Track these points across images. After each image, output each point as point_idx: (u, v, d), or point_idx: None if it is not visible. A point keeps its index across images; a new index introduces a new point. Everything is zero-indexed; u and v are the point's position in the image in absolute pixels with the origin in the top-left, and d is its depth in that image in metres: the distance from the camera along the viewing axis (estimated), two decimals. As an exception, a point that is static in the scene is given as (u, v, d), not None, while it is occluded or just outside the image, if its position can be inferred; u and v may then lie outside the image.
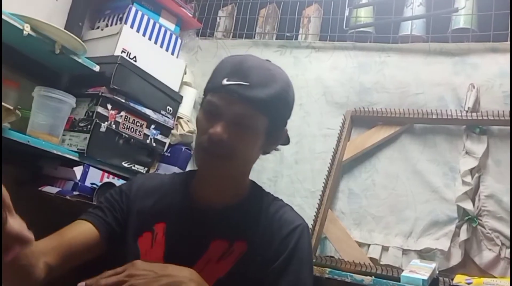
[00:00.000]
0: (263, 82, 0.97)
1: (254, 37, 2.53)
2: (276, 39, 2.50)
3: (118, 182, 1.93)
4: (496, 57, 2.00)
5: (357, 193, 2.08)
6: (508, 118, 1.86)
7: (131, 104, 2.02)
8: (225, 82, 0.97)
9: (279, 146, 1.15)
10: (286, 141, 1.16)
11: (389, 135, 2.08)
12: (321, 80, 2.28)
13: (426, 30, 2.22)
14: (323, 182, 2.07)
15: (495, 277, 1.68)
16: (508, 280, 1.51)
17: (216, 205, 1.05)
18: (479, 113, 1.92)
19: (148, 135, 2.08)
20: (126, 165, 2.01)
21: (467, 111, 1.94)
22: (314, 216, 2.02)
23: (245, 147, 0.97)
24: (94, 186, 1.82)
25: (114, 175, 1.99)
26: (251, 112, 0.96)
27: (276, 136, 1.06)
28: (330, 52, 2.32)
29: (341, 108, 2.20)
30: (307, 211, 2.09)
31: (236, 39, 2.55)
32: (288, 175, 2.21)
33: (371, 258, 1.93)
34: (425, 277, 1.59)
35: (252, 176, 2.17)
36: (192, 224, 1.01)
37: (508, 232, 1.78)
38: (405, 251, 1.92)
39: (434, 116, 1.99)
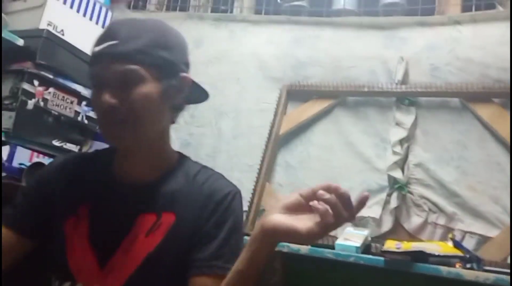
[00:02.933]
0: (132, 35, 0.92)
1: (189, 10, 2.48)
2: (211, 12, 2.46)
3: (48, 161, 1.86)
4: (424, 30, 2.07)
5: (293, 166, 2.12)
6: (435, 89, 1.94)
7: (60, 80, 1.93)
8: (96, 49, 0.92)
9: (197, 102, 1.12)
10: (203, 95, 1.12)
11: (323, 109, 2.12)
12: (257, 54, 2.28)
13: (358, 4, 2.27)
14: (261, 156, 2.09)
15: (423, 241, 1.78)
16: (434, 243, 1.59)
17: (140, 179, 1.00)
18: (408, 85, 1.99)
19: (79, 112, 2.01)
20: (56, 143, 1.93)
21: (397, 84, 2.00)
22: (253, 189, 2.04)
23: (139, 103, 0.91)
24: (23, 166, 1.74)
25: (45, 154, 1.92)
26: (129, 67, 0.90)
27: (173, 85, 0.96)
28: (265, 26, 2.32)
29: (277, 82, 2.22)
30: (246, 185, 2.11)
31: (170, 12, 2.49)
32: (226, 150, 2.22)
33: (308, 228, 1.97)
34: (358, 244, 1.65)
35: (190, 152, 2.16)
36: (116, 202, 0.97)
37: (435, 198, 1.88)
38: (339, 220, 1.98)
39: (366, 89, 2.04)
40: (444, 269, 1.47)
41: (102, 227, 0.96)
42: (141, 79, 0.91)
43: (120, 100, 0.90)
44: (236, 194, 1.01)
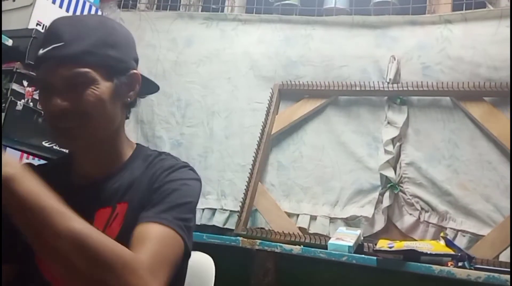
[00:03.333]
0: (77, 36, 0.89)
1: (179, 9, 2.47)
2: (201, 11, 2.45)
3: (38, 162, 1.84)
4: (415, 29, 2.08)
5: (285, 165, 2.11)
6: (426, 88, 1.94)
7: (50, 80, 1.91)
8: (40, 52, 0.89)
9: (148, 94, 1.10)
10: (153, 87, 1.09)
11: (315, 108, 2.12)
12: (248, 53, 2.27)
13: (349, 3, 2.27)
14: (253, 156, 2.08)
15: (415, 240, 1.78)
16: (426, 242, 1.60)
17: (96, 175, 0.99)
18: (400, 84, 1.99)
19: (69, 113, 1.98)
20: (46, 144, 1.90)
21: (388, 83, 2.01)
22: (245, 189, 2.03)
23: (90, 105, 0.89)
24: (12, 168, 1.72)
25: (35, 155, 1.89)
26: (76, 69, 0.87)
27: (123, 83, 0.95)
28: (256, 25, 2.31)
29: (268, 82, 2.21)
30: (238, 185, 2.10)
31: (160, 11, 2.47)
32: (218, 150, 2.20)
33: (300, 228, 1.97)
34: (351, 244, 1.65)
35: (182, 152, 2.18)
36: (75, 201, 0.95)
37: (427, 197, 1.88)
38: (332, 220, 1.98)
39: (357, 88, 2.04)
40: (436, 268, 1.47)
41: None
42: (91, 81, 0.89)
43: (71, 103, 0.88)
44: (182, 167, 1.00)
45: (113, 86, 0.93)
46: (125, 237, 0.90)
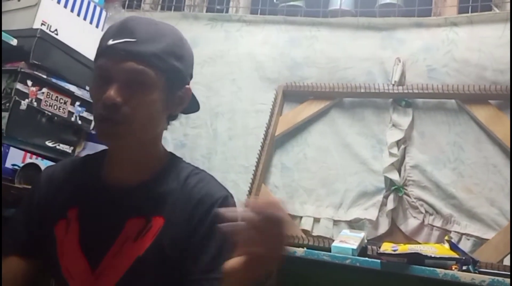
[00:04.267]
0: (151, 37, 0.91)
1: (184, 10, 2.46)
2: (206, 11, 2.45)
3: (42, 162, 1.84)
4: (421, 31, 2.06)
5: (289, 167, 2.11)
6: (432, 91, 1.93)
7: (53, 80, 1.91)
8: (110, 42, 0.90)
9: (189, 113, 1.12)
10: (195, 106, 1.10)
11: (319, 110, 2.11)
12: (252, 55, 2.26)
13: (354, 4, 2.26)
14: (256, 157, 2.07)
15: (419, 243, 1.77)
16: (430, 245, 1.59)
17: (130, 182, 0.98)
18: (405, 86, 1.98)
19: (73, 113, 1.98)
20: (50, 144, 1.91)
21: (393, 85, 2.00)
22: (248, 191, 2.02)
23: (143, 107, 0.91)
24: (16, 167, 1.72)
25: (38, 155, 1.89)
26: (142, 68, 0.89)
27: (177, 95, 0.98)
28: (261, 26, 2.30)
29: (273, 83, 2.20)
30: (241, 187, 2.09)
31: (165, 12, 2.47)
32: (222, 151, 2.20)
33: (303, 230, 1.96)
34: (354, 246, 1.64)
35: (185, 153, 2.17)
36: (105, 205, 0.95)
37: (431, 200, 1.87)
38: (335, 222, 1.97)
39: (362, 90, 2.03)
40: (440, 271, 1.47)
41: (92, 231, 0.96)
42: (151, 84, 0.91)
43: (125, 99, 0.89)
44: (227, 197, 1.00)
45: (168, 96, 0.95)
46: (154, 252, 0.92)
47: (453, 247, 1.55)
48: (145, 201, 0.96)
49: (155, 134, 1.00)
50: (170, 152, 1.08)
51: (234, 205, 1.01)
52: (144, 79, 0.90)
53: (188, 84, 1.01)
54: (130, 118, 0.90)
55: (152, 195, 0.96)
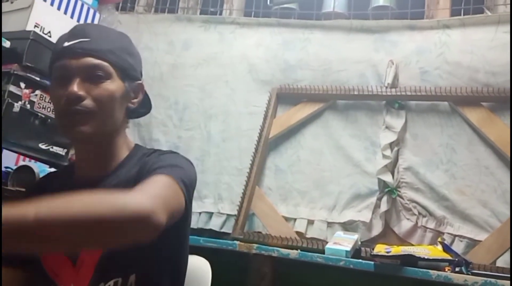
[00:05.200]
0: (103, 37, 1.00)
1: (177, 12, 2.46)
2: (200, 14, 2.45)
3: (35, 165, 1.83)
4: (413, 34, 2.08)
5: (283, 169, 2.11)
6: (424, 93, 1.94)
7: (47, 82, 1.90)
8: (66, 44, 0.96)
9: (143, 115, 1.17)
10: (148, 104, 1.15)
11: (313, 112, 2.11)
12: (246, 57, 2.26)
13: (348, 7, 2.27)
14: (250, 160, 2.08)
15: (413, 245, 1.78)
16: (423, 247, 1.59)
17: (95, 176, 1.01)
18: (398, 88, 1.99)
19: (66, 115, 1.97)
20: (43, 147, 1.89)
21: (386, 87, 2.00)
22: (242, 193, 2.02)
23: (104, 98, 0.96)
24: (9, 170, 1.71)
25: (31, 157, 1.88)
26: (99, 62, 0.96)
27: (133, 87, 1.04)
28: (254, 28, 2.30)
29: (266, 85, 2.21)
30: (235, 189, 2.10)
31: (158, 14, 2.47)
32: (215, 153, 2.20)
33: (297, 232, 1.96)
34: (348, 248, 1.65)
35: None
36: None
37: (425, 202, 1.88)
38: (329, 224, 1.98)
39: (356, 92, 2.04)
40: (433, 273, 1.47)
41: None
42: (109, 76, 0.97)
43: (87, 92, 0.95)
44: (173, 152, 1.05)
45: (124, 88, 1.01)
46: None
47: (446, 248, 1.56)
48: (109, 189, 0.94)
49: (116, 126, 1.03)
50: (136, 144, 1.12)
51: (182, 157, 1.03)
52: (103, 72, 0.97)
53: (140, 81, 1.08)
54: (93, 109, 0.95)
55: (115, 183, 1.00)
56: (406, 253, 1.51)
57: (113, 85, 0.98)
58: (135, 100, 1.07)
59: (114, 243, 0.77)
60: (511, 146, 1.78)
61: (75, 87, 0.93)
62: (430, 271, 1.47)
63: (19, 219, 0.67)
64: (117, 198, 0.75)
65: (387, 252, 1.53)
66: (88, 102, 0.94)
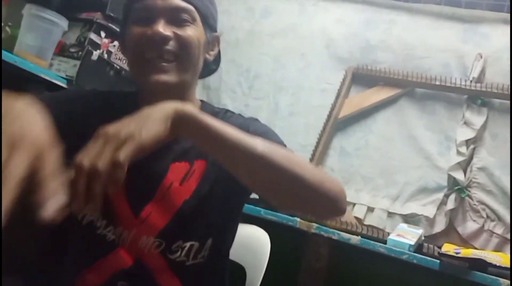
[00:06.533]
0: None
1: (260, -22, 2.40)
2: (283, -18, 2.37)
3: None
4: (507, 29, 1.94)
5: (349, 152, 2.05)
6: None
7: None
8: None
9: (214, 70, 1.14)
10: (218, 61, 1.12)
11: (389, 97, 2.04)
12: (325, 32, 2.19)
13: (439, -9, 2.14)
14: (317, 138, 2.03)
15: (476, 248, 1.71)
16: (495, 253, 1.52)
17: None
18: (484, 84, 1.88)
19: (141, 69, 1.98)
20: (116, 97, 1.92)
21: (471, 81, 1.90)
22: (305, 170, 1.98)
23: (192, 43, 0.93)
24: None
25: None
26: (186, 5, 0.93)
27: (212, 37, 1.02)
28: (337, 3, 2.22)
29: (343, 63, 2.14)
30: (296, 165, 2.06)
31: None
32: (281, 126, 2.16)
33: (355, 217, 1.92)
34: (412, 242, 1.60)
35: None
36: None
37: (495, 206, 1.79)
38: (390, 214, 1.92)
39: (437, 83, 1.95)
40: (503, 281, 1.41)
41: (134, 176, 0.83)
42: (193, 20, 0.94)
43: (173, 33, 0.91)
44: (255, 120, 1.06)
45: (206, 36, 0.99)
46: (200, 194, 0.93)
47: (519, 258, 1.48)
48: (186, 145, 0.95)
49: (195, 77, 1.00)
50: (202, 100, 1.08)
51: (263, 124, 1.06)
52: (188, 16, 0.93)
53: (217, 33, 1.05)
54: (178, 52, 0.91)
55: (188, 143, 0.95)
56: (477, 257, 1.45)
57: (197, 31, 0.95)
58: (212, 52, 1.04)
59: (306, 209, 0.86)
60: (511, 148, 1.73)
61: (161, 28, 0.89)
62: (500, 279, 1.41)
63: (250, 146, 0.73)
64: (321, 170, 0.82)
65: (456, 253, 1.47)
66: (173, 44, 0.90)
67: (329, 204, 0.80)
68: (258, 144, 0.74)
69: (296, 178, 0.75)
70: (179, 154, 0.95)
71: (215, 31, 1.03)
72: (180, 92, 0.96)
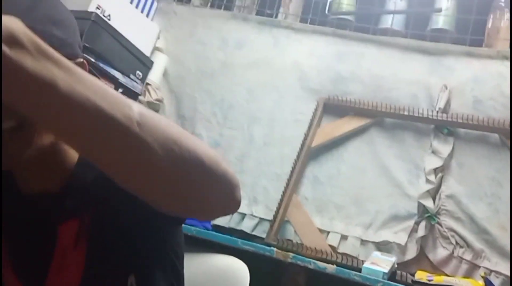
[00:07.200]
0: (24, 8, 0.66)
1: (233, 10, 2.46)
2: (256, 14, 2.43)
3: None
4: (471, 61, 2.04)
5: (321, 181, 2.09)
6: (476, 122, 1.91)
7: (100, 65, 1.92)
8: None
9: None
10: None
11: (359, 126, 2.09)
12: (298, 64, 2.25)
13: (405, 25, 2.24)
14: (291, 167, 2.06)
15: (447, 275, 1.76)
16: (466, 280, 1.57)
17: (43, 185, 0.75)
18: (449, 114, 1.96)
19: (116, 100, 1.98)
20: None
21: (437, 111, 1.98)
22: (280, 199, 2.01)
23: None
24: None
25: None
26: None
27: None
28: (309, 35, 2.29)
29: (315, 95, 2.19)
30: (272, 194, 2.09)
31: (214, 9, 2.46)
32: (256, 156, 2.19)
33: (329, 246, 1.95)
34: (386, 270, 1.63)
35: (219, 153, 2.14)
36: (28, 218, 0.74)
37: (464, 233, 1.85)
38: (363, 242, 1.96)
39: (405, 113, 2.02)
40: (474, 308, 1.45)
41: (22, 255, 0.75)
42: None
43: None
44: None
45: None
46: (94, 254, 0.76)
47: (488, 284, 1.53)
48: (72, 200, 0.76)
49: None
50: None
51: None
52: None
53: (81, 56, 0.75)
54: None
55: (74, 193, 0.76)
56: (449, 284, 1.49)
57: None
58: None
59: (198, 195, 0.58)
60: (511, 151, 1.78)
61: None
62: (471, 305, 1.45)
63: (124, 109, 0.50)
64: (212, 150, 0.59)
65: (429, 280, 1.52)
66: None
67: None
68: (134, 109, 0.52)
69: (196, 160, 0.56)
70: (63, 212, 0.75)
71: (77, 56, 0.74)
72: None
